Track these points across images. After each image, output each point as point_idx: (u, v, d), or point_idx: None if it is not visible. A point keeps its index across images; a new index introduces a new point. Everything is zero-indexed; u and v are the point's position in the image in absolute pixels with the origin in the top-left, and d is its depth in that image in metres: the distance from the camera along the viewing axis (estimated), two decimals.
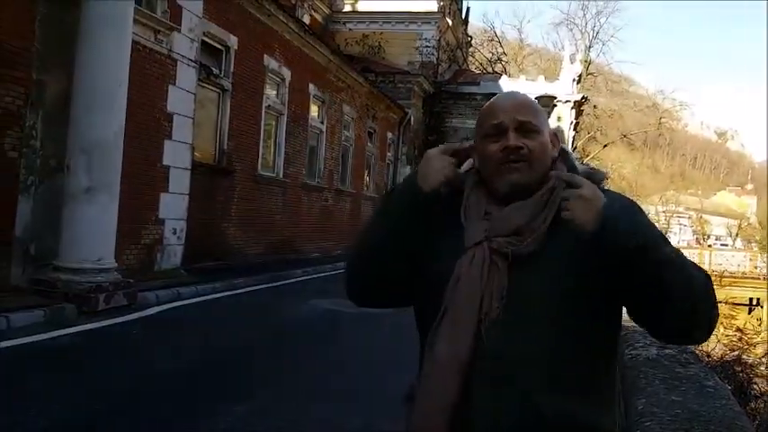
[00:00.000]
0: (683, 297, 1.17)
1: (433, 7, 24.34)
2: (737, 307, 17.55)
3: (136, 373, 4.88)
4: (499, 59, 39.13)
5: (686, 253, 1.41)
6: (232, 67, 11.68)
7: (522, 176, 1.26)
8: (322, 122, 16.51)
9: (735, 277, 27.05)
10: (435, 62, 24.94)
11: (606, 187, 1.29)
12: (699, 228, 64.32)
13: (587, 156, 37.14)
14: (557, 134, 1.35)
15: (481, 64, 37.72)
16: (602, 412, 1.23)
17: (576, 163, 1.37)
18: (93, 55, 7.07)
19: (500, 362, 1.18)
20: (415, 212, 1.30)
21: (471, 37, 34.73)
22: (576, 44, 39.87)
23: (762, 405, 6.55)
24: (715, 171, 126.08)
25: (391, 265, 1.32)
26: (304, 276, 12.33)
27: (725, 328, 11.59)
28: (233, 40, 11.61)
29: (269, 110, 13.51)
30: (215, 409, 4.03)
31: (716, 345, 9.69)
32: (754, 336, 11.07)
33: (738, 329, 10.81)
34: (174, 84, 9.37)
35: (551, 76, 28.37)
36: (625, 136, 45.47)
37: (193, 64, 9.81)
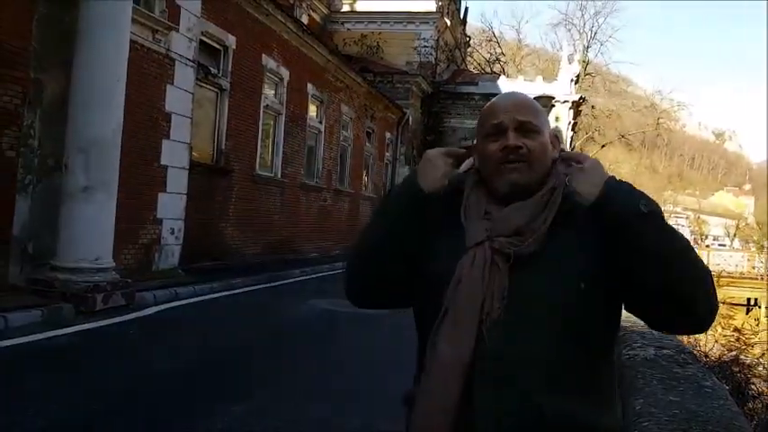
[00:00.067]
0: (685, 268, 1.17)
1: (432, 7, 24.35)
2: (735, 307, 17.54)
3: (133, 373, 4.87)
4: (497, 60, 39.16)
5: None
6: (230, 66, 11.67)
7: (522, 177, 1.27)
8: (320, 122, 16.50)
9: (733, 277, 27.10)
10: (434, 62, 24.94)
11: None
12: (697, 228, 64.38)
13: None
14: (557, 135, 1.36)
15: (479, 64, 37.76)
16: (603, 412, 1.24)
17: None
18: (92, 54, 7.06)
19: (501, 362, 1.18)
20: (415, 212, 1.30)
21: (470, 37, 34.74)
22: (574, 44, 39.92)
23: (759, 405, 6.55)
24: (713, 171, 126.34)
25: (390, 265, 1.32)
26: (302, 276, 12.32)
27: (723, 328, 11.59)
28: (231, 40, 11.61)
29: (267, 110, 13.50)
30: (213, 409, 4.02)
31: (714, 345, 9.70)
32: (752, 336, 11.06)
33: (736, 330, 10.80)
34: (172, 83, 9.36)
35: (549, 76, 28.40)
36: (623, 136, 45.52)
37: (191, 63, 9.81)
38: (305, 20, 20.19)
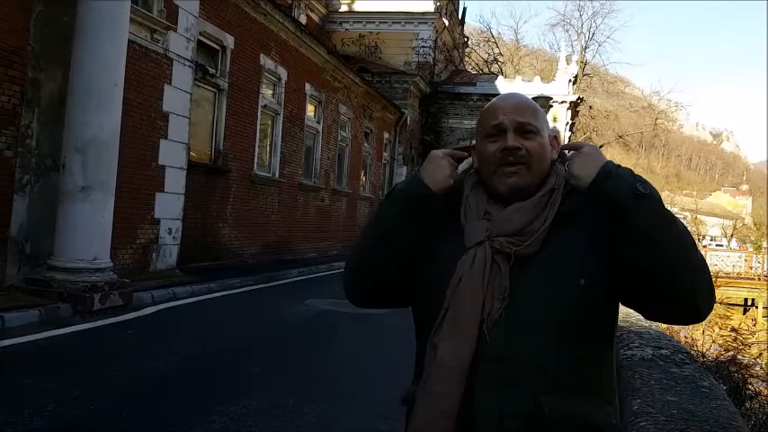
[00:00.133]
0: (682, 254, 1.17)
1: (430, 7, 24.36)
2: (732, 307, 17.58)
3: (131, 373, 4.86)
4: (495, 60, 39.18)
5: None
6: (228, 66, 11.67)
7: (520, 179, 1.27)
8: (318, 122, 16.50)
9: (730, 278, 27.16)
10: (432, 62, 24.95)
11: None
12: (694, 228, 64.48)
13: None
14: (556, 136, 1.36)
15: (477, 64, 37.79)
16: (603, 409, 1.24)
17: None
18: (89, 54, 7.05)
19: (503, 363, 1.19)
20: (419, 212, 1.30)
21: (468, 37, 34.75)
22: (572, 45, 39.94)
23: (757, 405, 6.55)
24: (710, 172, 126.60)
25: (391, 264, 1.32)
26: (300, 276, 12.32)
27: (720, 328, 11.61)
28: (229, 40, 11.60)
29: (265, 109, 13.50)
30: (210, 409, 4.02)
31: (711, 345, 9.72)
32: (749, 336, 11.09)
33: (733, 330, 10.82)
34: (170, 83, 9.36)
35: (547, 76, 28.42)
36: (621, 137, 45.57)
37: (189, 63, 9.80)
38: (303, 20, 20.20)
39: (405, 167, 23.38)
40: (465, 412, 1.19)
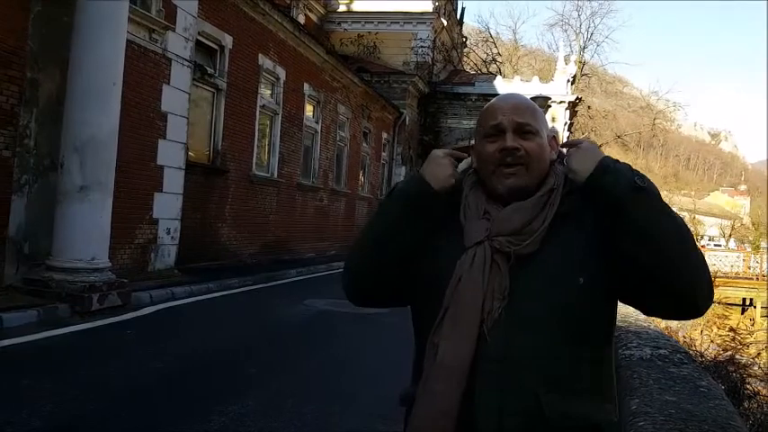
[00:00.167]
0: (681, 248, 1.17)
1: (428, 7, 24.36)
2: (731, 307, 17.61)
3: (129, 374, 4.86)
4: (494, 60, 39.19)
5: None
6: (226, 66, 11.66)
7: (519, 180, 1.28)
8: (317, 122, 16.49)
9: (728, 278, 27.19)
10: (430, 62, 24.96)
11: None
12: (692, 228, 64.50)
13: None
14: (555, 137, 1.37)
15: (476, 64, 37.79)
16: (603, 407, 1.25)
17: None
18: (88, 53, 7.05)
19: (503, 362, 1.19)
20: (419, 211, 1.30)
21: (466, 37, 34.76)
22: (570, 45, 39.94)
23: (755, 405, 6.57)
24: (708, 172, 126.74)
25: (391, 264, 1.32)
26: (299, 277, 12.32)
27: (718, 328, 11.64)
28: (228, 40, 11.59)
29: (263, 109, 13.49)
30: (209, 409, 4.02)
31: (709, 345, 9.73)
32: (748, 336, 11.12)
33: (731, 329, 10.85)
34: (169, 83, 9.35)
35: (546, 76, 28.42)
36: (619, 137, 45.60)
37: (188, 63, 9.79)
38: (302, 20, 20.19)
39: (403, 167, 23.37)
40: (465, 412, 1.19)
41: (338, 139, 18.07)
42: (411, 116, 23.93)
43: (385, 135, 22.57)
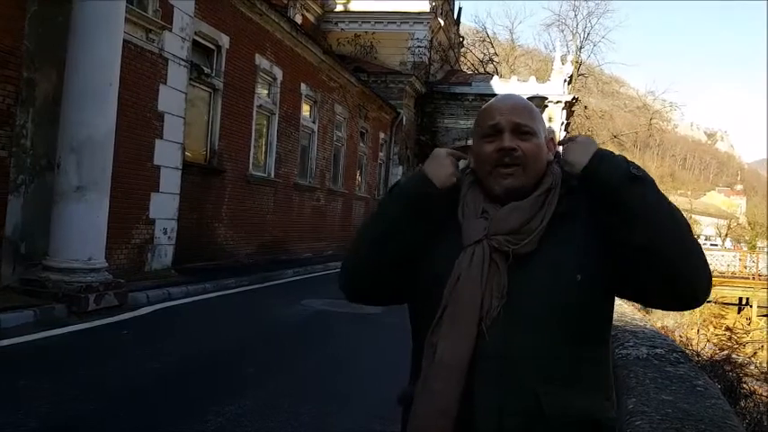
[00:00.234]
0: (677, 235, 1.18)
1: (425, 7, 24.36)
2: (727, 307, 17.66)
3: (126, 374, 4.86)
4: (491, 60, 39.23)
5: None
6: (223, 66, 11.64)
7: (515, 180, 1.28)
8: (314, 122, 16.48)
9: (724, 277, 27.22)
10: (427, 62, 24.96)
11: None
12: None
13: None
14: (553, 138, 1.37)
15: (473, 64, 37.82)
16: (602, 403, 1.25)
17: None
18: (84, 53, 7.03)
19: (502, 361, 1.19)
20: (419, 211, 1.31)
21: (463, 37, 34.78)
22: (567, 45, 40.07)
23: (751, 404, 6.58)
24: (704, 172, 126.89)
25: (389, 264, 1.32)
26: (295, 277, 12.31)
27: (715, 327, 11.67)
28: (224, 40, 11.58)
29: (260, 109, 13.48)
30: (206, 409, 4.01)
31: (706, 344, 9.76)
32: (744, 335, 11.14)
33: (728, 329, 10.88)
34: (165, 83, 9.34)
35: (543, 76, 28.46)
36: (616, 137, 45.71)
37: (184, 63, 9.78)
38: (298, 20, 20.17)
39: (400, 167, 23.37)
40: (464, 411, 1.19)
41: (335, 138, 18.07)
42: (408, 116, 23.93)
43: (382, 135, 22.56)
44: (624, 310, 4.93)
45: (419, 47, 24.46)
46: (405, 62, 24.17)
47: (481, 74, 31.27)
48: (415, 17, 24.33)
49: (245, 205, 12.87)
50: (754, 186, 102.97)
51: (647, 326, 3.54)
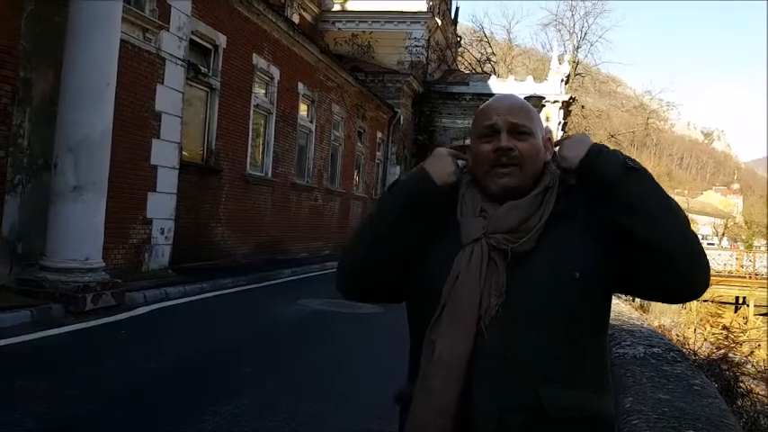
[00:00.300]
0: (675, 227, 1.19)
1: (423, 7, 24.36)
2: (724, 305, 17.68)
3: (123, 374, 4.85)
4: (488, 60, 39.26)
5: None
6: (220, 65, 11.63)
7: (512, 180, 1.29)
8: (311, 122, 16.47)
9: (721, 276, 27.24)
10: (425, 62, 24.96)
11: None
12: None
13: None
14: (550, 138, 1.38)
15: (470, 64, 37.84)
16: (601, 399, 1.26)
17: None
18: (81, 53, 7.02)
19: (501, 359, 1.19)
20: (420, 211, 1.31)
21: (460, 37, 34.80)
22: (564, 45, 40.11)
23: (748, 403, 6.58)
24: (701, 171, 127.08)
25: (388, 263, 1.32)
26: (293, 276, 12.30)
27: (711, 326, 11.68)
28: (222, 39, 11.57)
29: (258, 109, 13.47)
30: (203, 409, 4.01)
31: (702, 343, 9.76)
32: (741, 334, 11.16)
33: (725, 328, 10.89)
34: (163, 82, 9.33)
35: (540, 76, 28.50)
36: (613, 136, 45.76)
37: (182, 63, 9.77)
38: (296, 19, 20.15)
39: (398, 167, 23.37)
40: (463, 410, 1.19)
41: (333, 138, 18.05)
42: (405, 116, 23.93)
43: (379, 134, 22.55)
44: (621, 309, 4.94)
45: (416, 46, 24.46)
46: (402, 62, 24.17)
47: (478, 73, 31.30)
48: (412, 17, 24.33)
49: (242, 205, 12.86)
50: (750, 185, 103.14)
51: (644, 325, 3.54)
